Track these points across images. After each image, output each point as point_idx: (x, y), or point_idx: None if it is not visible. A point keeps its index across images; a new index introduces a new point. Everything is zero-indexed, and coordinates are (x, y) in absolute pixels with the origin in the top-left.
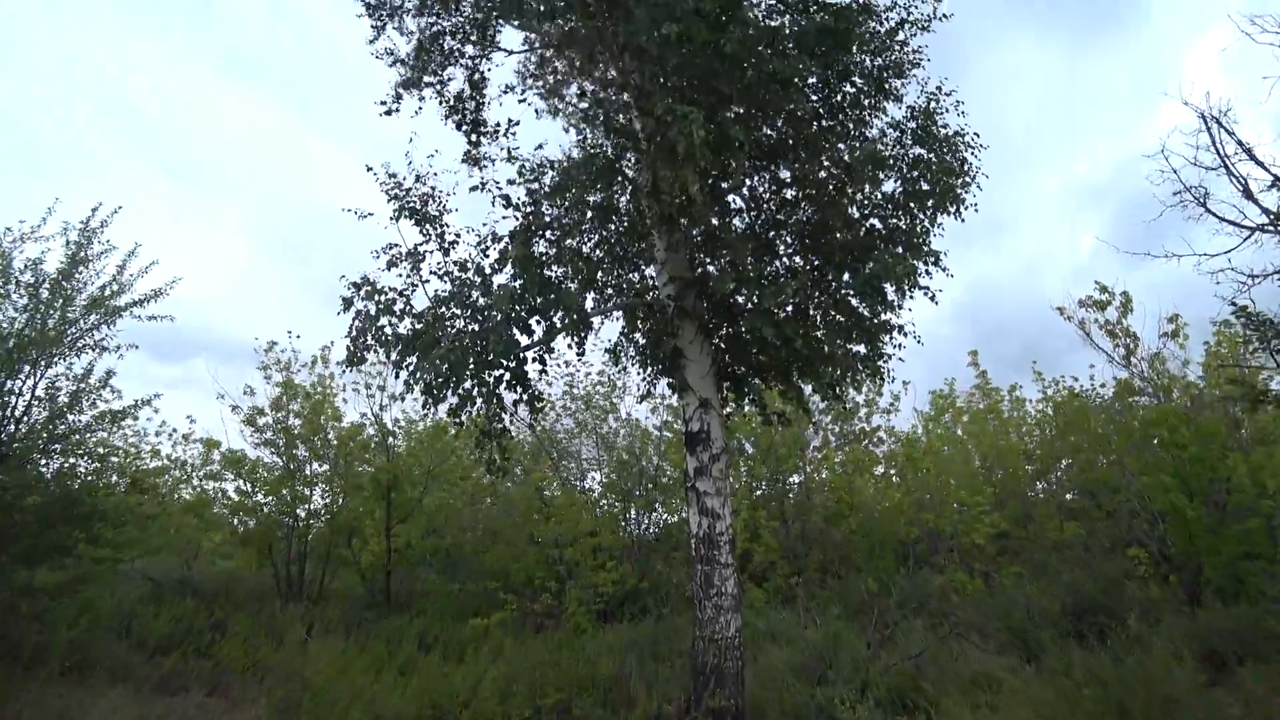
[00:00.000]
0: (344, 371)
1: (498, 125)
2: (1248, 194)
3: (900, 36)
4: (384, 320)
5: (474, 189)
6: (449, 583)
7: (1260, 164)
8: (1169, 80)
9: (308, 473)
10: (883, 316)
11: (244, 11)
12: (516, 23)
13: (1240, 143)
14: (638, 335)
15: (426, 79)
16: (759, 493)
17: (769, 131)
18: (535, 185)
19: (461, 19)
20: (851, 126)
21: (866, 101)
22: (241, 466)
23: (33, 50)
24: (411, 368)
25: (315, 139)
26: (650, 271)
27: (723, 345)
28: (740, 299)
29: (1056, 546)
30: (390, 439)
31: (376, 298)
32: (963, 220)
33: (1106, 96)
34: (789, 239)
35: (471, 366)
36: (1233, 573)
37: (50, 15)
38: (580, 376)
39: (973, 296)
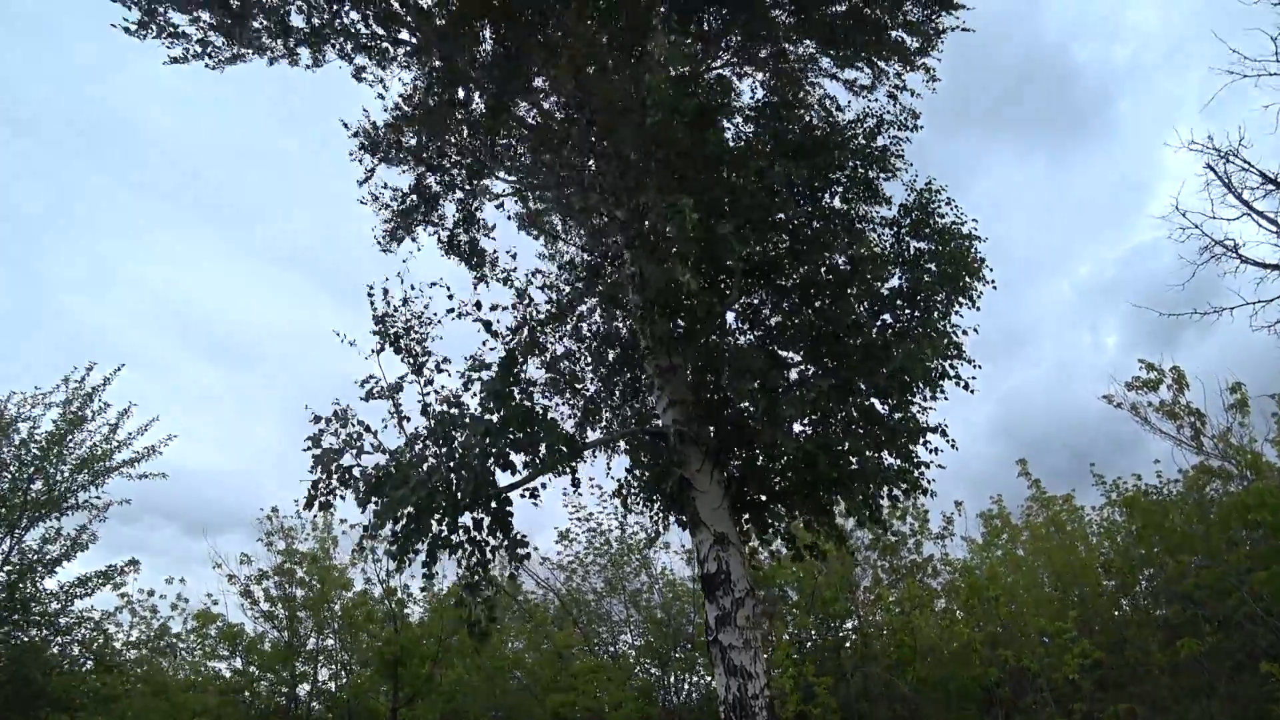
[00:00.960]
0: (345, 535)
1: (495, 253)
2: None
3: (880, 142)
4: (349, 458)
5: (450, 312)
6: None
7: None
8: (1150, 174)
9: (310, 647)
10: (913, 416)
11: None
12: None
13: (1264, 174)
14: (641, 470)
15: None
16: (809, 645)
17: (761, 247)
18: (525, 303)
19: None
20: (844, 230)
21: (855, 199)
22: (238, 641)
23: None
24: (377, 510)
25: (344, 314)
26: (652, 400)
27: (736, 473)
28: (752, 418)
29: (1167, 671)
30: (401, 607)
31: (342, 433)
32: (978, 308)
33: (1094, 202)
34: (799, 349)
35: (443, 508)
36: None
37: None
38: (606, 528)
39: (1007, 412)
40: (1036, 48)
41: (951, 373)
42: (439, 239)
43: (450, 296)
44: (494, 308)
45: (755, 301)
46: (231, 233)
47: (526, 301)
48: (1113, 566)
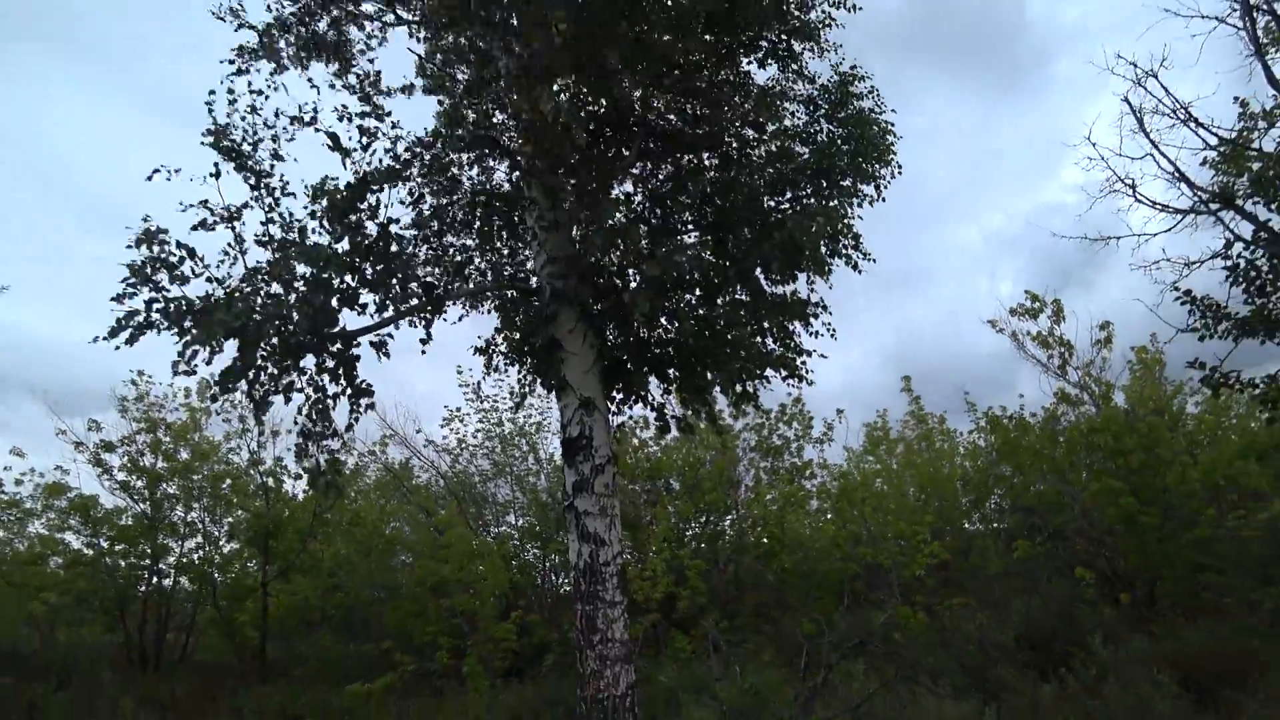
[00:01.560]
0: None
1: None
2: (1178, 176)
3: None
4: (164, 279)
5: (295, 120)
6: (346, 645)
7: (1200, 125)
8: (1076, 135)
9: (174, 520)
10: (796, 292)
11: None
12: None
13: (1177, 101)
14: (510, 330)
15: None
16: (689, 534)
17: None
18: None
19: None
20: (756, 99)
21: (776, 67)
22: (90, 513)
23: None
24: (192, 336)
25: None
26: (529, 255)
27: (611, 338)
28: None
29: (1001, 574)
30: (277, 481)
31: (156, 249)
32: (883, 198)
33: (1017, 156)
34: (688, 214)
35: (275, 345)
36: (1189, 587)
37: None
38: (498, 408)
39: (900, 344)
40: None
41: (843, 253)
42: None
43: (306, 113)
44: (345, 118)
45: (650, 166)
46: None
47: (390, 123)
48: (971, 482)
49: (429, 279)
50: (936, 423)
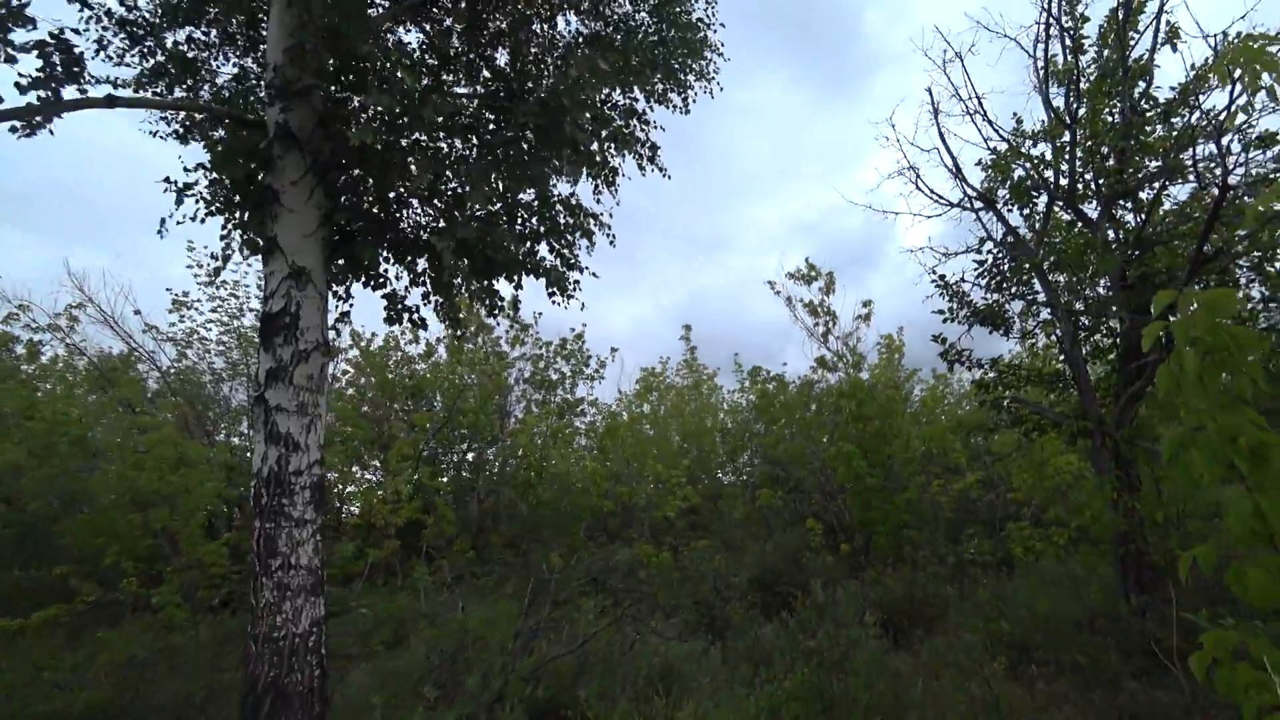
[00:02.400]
0: None
1: None
2: (954, 170)
3: None
4: None
5: None
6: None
7: (988, 121)
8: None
9: None
10: (578, 197)
11: None
12: None
13: (973, 93)
14: (221, 168)
15: None
16: (448, 461)
17: None
18: None
19: None
20: None
21: None
22: None
23: None
24: None
25: None
26: (259, 87)
27: (344, 199)
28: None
29: (744, 521)
30: None
31: None
32: (688, 110)
33: (828, 152)
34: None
35: None
36: (895, 540)
37: None
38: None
39: (691, 306)
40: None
41: (636, 156)
42: None
43: None
44: None
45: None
46: None
47: None
48: (729, 436)
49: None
50: (708, 376)
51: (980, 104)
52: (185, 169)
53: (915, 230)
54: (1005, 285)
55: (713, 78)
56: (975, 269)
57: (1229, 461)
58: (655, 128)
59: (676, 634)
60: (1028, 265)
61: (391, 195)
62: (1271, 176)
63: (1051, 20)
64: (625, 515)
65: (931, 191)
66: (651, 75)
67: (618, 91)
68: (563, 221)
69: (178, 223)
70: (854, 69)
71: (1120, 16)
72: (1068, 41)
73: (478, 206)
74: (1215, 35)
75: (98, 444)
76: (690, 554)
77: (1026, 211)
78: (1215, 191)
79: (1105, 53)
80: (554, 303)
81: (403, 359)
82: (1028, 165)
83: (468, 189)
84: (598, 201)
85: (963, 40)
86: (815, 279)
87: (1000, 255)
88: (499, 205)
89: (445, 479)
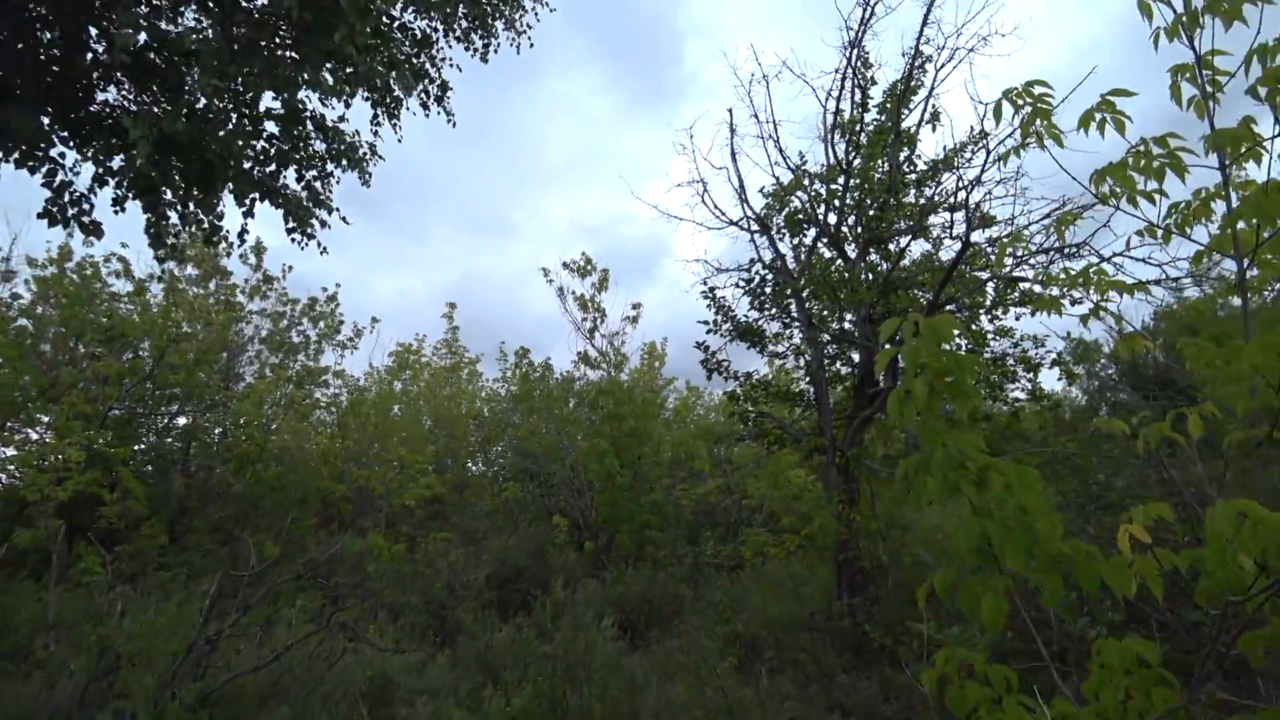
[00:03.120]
0: None
1: None
2: (738, 190)
3: None
4: None
5: None
6: None
7: (779, 147)
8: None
9: None
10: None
11: None
12: None
13: (772, 119)
14: None
15: None
16: (148, 424)
17: None
18: None
19: None
20: None
21: None
22: None
23: None
24: None
25: None
26: None
27: None
28: None
29: (489, 513)
30: None
31: None
32: (486, 60)
33: (629, 161)
34: None
35: None
36: (638, 540)
37: None
38: None
39: (464, 288)
40: (664, 18)
41: (424, 95)
42: None
43: None
44: None
45: None
46: None
47: None
48: (484, 424)
49: None
50: (469, 361)
51: (775, 130)
52: None
53: (694, 243)
54: (766, 306)
55: (524, 31)
56: (743, 286)
57: (956, 485)
58: (449, 65)
59: (400, 639)
60: (789, 290)
61: (79, 52)
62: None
63: (846, 77)
64: (360, 501)
65: (716, 206)
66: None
67: (410, 12)
68: (316, 148)
69: None
70: (666, 90)
71: (899, 90)
72: (857, 98)
73: (199, 95)
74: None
75: None
76: (428, 546)
77: (795, 241)
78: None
79: (884, 116)
80: (292, 240)
81: (106, 294)
82: (804, 199)
83: (193, 69)
84: (375, 134)
85: (771, 67)
86: (590, 273)
87: (766, 277)
88: (229, 103)
89: (142, 446)
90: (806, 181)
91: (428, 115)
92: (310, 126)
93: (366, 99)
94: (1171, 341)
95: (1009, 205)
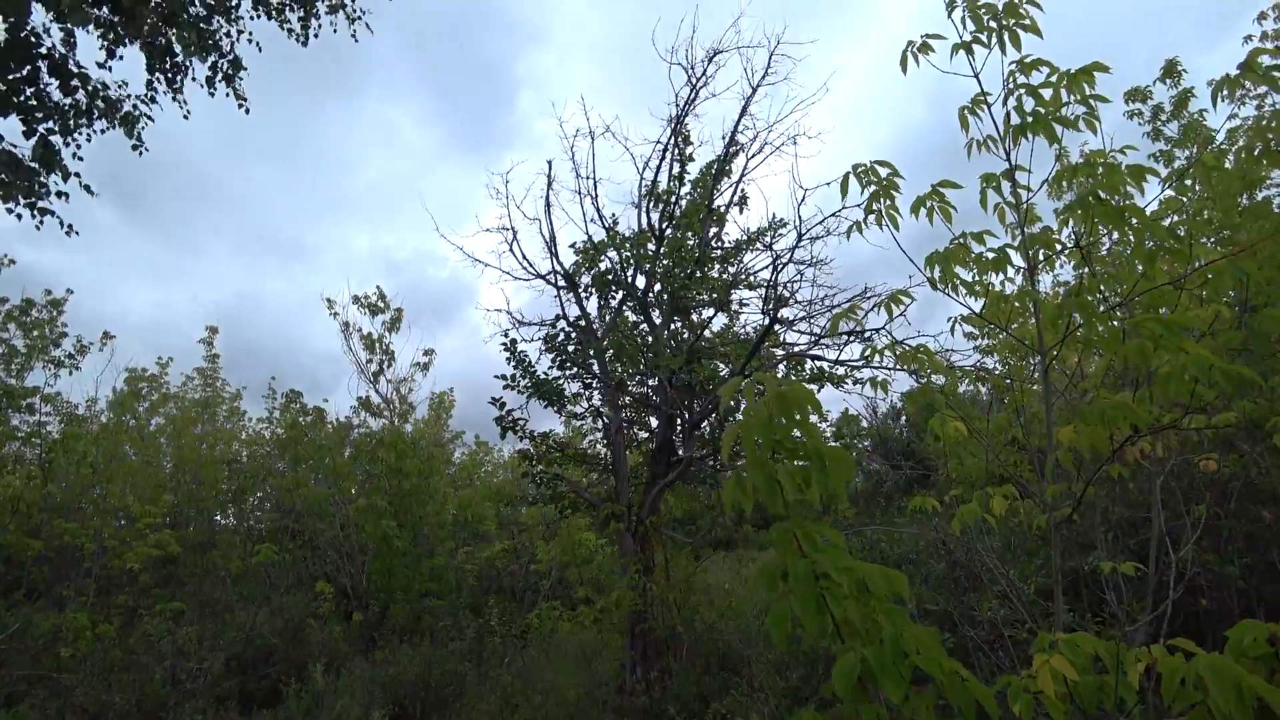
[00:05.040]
0: None
1: None
2: (548, 245)
3: None
4: None
5: None
6: None
7: (596, 206)
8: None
9: None
10: None
11: None
12: None
13: (593, 176)
14: None
15: None
16: None
17: None
18: None
19: None
20: None
21: None
22: None
23: None
24: None
25: None
26: None
27: None
28: None
29: (240, 577)
30: None
31: None
32: (314, 34)
33: (444, 197)
34: None
35: None
36: (415, 610)
37: None
38: None
39: (238, 312)
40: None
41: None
42: None
43: None
44: None
45: None
46: None
47: None
48: (240, 471)
49: None
50: (230, 395)
51: (595, 187)
52: None
53: (499, 292)
54: (568, 364)
55: (356, 18)
56: (546, 342)
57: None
58: (247, 39)
59: None
60: (592, 350)
61: None
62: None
63: (668, 149)
64: (62, 563)
65: (525, 257)
66: None
67: None
68: (54, 96)
69: None
70: (494, 134)
71: (714, 170)
72: (675, 170)
73: None
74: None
75: None
76: (151, 622)
77: (602, 302)
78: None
79: (697, 192)
80: (12, 214)
81: None
82: (615, 260)
83: None
84: (151, 100)
85: (597, 127)
86: (383, 311)
87: (570, 335)
88: None
89: None
90: (619, 243)
91: (212, 94)
92: (44, 67)
93: (141, 51)
94: (915, 419)
95: (809, 288)
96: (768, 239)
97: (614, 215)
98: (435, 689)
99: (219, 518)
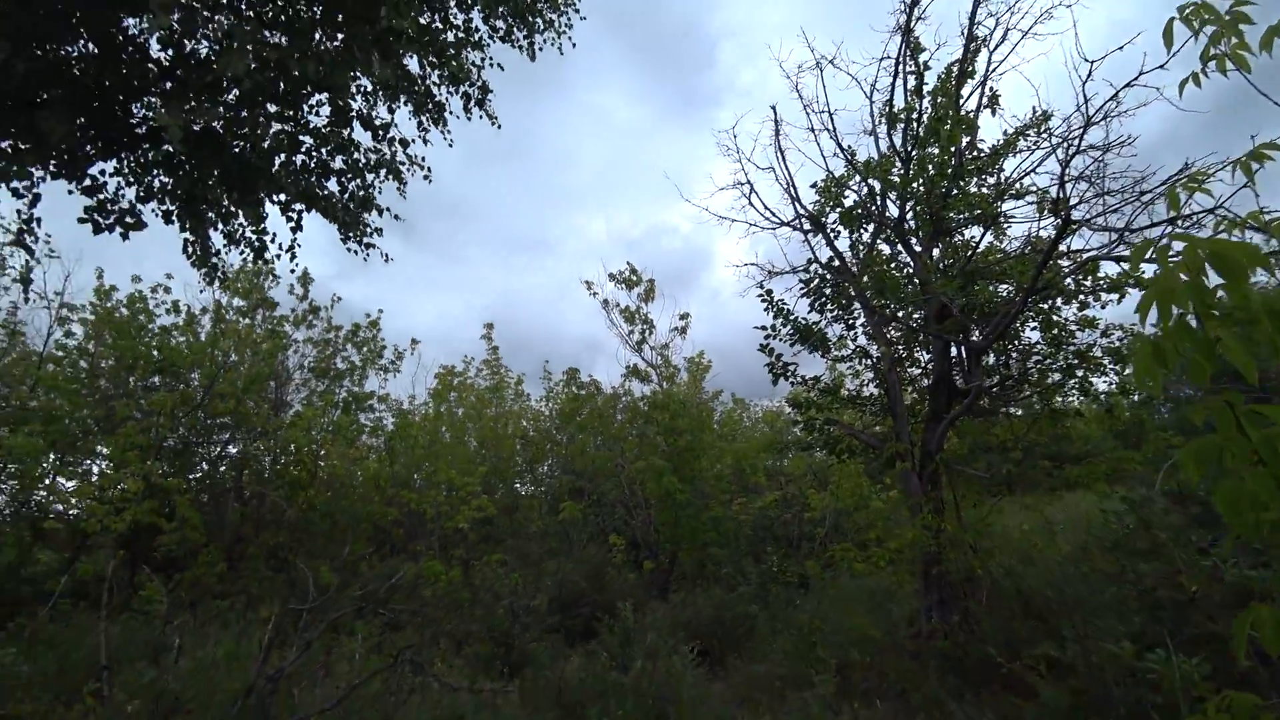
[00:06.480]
0: None
1: None
2: (788, 189)
3: None
4: None
5: None
6: None
7: (833, 139)
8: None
9: None
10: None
11: None
12: None
13: (827, 107)
14: None
15: None
16: (203, 455)
17: None
18: None
19: None
20: None
21: None
22: None
23: None
24: None
25: None
26: None
27: (26, 38)
28: None
29: (540, 534)
30: None
31: None
32: (534, 56)
33: (666, 168)
34: None
35: None
36: (700, 558)
37: None
38: None
39: (504, 308)
40: (696, 24)
41: (466, 97)
42: None
43: None
44: None
45: None
46: None
47: None
48: (530, 443)
49: None
50: (513, 380)
51: (831, 119)
52: None
53: (740, 250)
54: (827, 307)
55: (564, 31)
56: (800, 289)
57: None
58: (490, 64)
59: (468, 674)
60: (850, 290)
61: (118, 57)
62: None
63: (899, 62)
64: (411, 525)
65: (765, 207)
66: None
67: (453, 3)
68: (361, 158)
69: None
70: (700, 96)
71: (953, 75)
72: (910, 84)
73: (228, 81)
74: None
75: None
76: (483, 570)
77: (854, 237)
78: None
79: (940, 100)
80: (349, 249)
81: (155, 329)
82: (860, 192)
83: (218, 48)
84: (424, 141)
85: (822, 56)
86: (636, 284)
87: (825, 277)
88: (266, 98)
89: (198, 474)
90: (864, 171)
91: (469, 119)
92: (359, 125)
93: (408, 103)
94: None
95: (1099, 182)
96: (1034, 135)
97: (850, 147)
98: (729, 628)
99: (518, 485)
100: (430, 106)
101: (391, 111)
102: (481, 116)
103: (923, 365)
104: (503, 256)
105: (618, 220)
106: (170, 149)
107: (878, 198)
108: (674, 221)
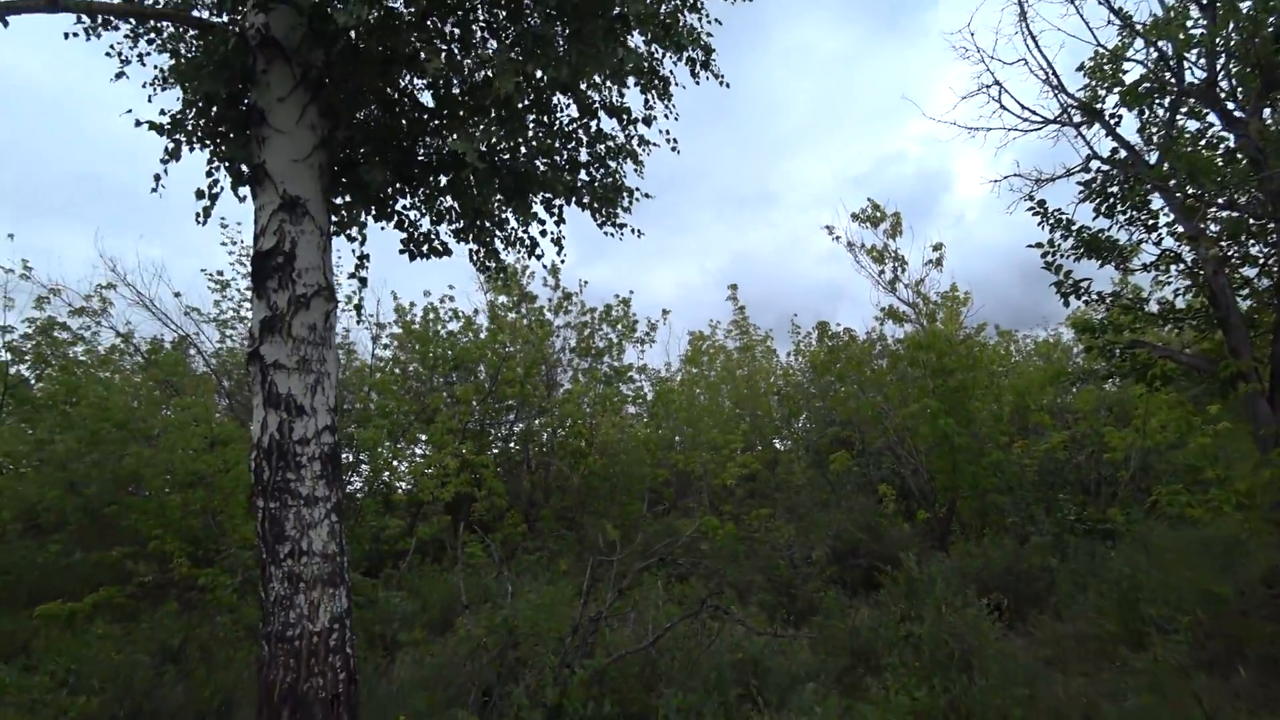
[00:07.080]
0: None
1: None
2: (1048, 79)
3: None
4: None
5: None
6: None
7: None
8: (938, 87)
9: None
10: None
11: None
12: None
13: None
14: (194, 85)
15: None
16: (497, 434)
17: None
18: None
19: None
20: None
21: None
22: None
23: None
24: None
25: None
26: None
27: (343, 120)
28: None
29: (805, 487)
30: None
31: None
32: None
33: (882, 97)
34: None
35: None
36: (980, 507)
37: None
38: None
39: (737, 269)
40: None
41: (690, 62)
42: None
43: None
44: None
45: None
46: None
47: None
48: (785, 399)
49: None
50: (760, 338)
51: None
52: (163, 112)
53: (989, 165)
54: (1116, 210)
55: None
56: (1080, 193)
57: None
58: (708, 20)
59: (766, 621)
60: (1148, 183)
61: (399, 110)
62: None
63: None
64: (681, 484)
65: (1023, 106)
66: None
67: None
68: (604, 146)
69: (164, 167)
70: (908, 5)
71: None
72: None
73: (502, 97)
74: None
75: (144, 427)
76: (754, 523)
77: (1144, 117)
78: None
79: None
80: (605, 233)
81: (445, 333)
82: (1149, 57)
83: (490, 74)
84: (652, 118)
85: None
86: (881, 220)
87: (1111, 174)
88: (528, 99)
89: (495, 451)
90: (1151, 33)
91: (698, 83)
92: (603, 114)
93: (637, 84)
94: None
95: None
96: None
97: (1121, 9)
98: (1025, 582)
99: (776, 440)
100: (656, 82)
101: (622, 95)
102: (708, 78)
103: (1261, 261)
104: (728, 217)
105: (838, 158)
106: (461, 174)
107: (1171, 63)
108: (900, 147)
